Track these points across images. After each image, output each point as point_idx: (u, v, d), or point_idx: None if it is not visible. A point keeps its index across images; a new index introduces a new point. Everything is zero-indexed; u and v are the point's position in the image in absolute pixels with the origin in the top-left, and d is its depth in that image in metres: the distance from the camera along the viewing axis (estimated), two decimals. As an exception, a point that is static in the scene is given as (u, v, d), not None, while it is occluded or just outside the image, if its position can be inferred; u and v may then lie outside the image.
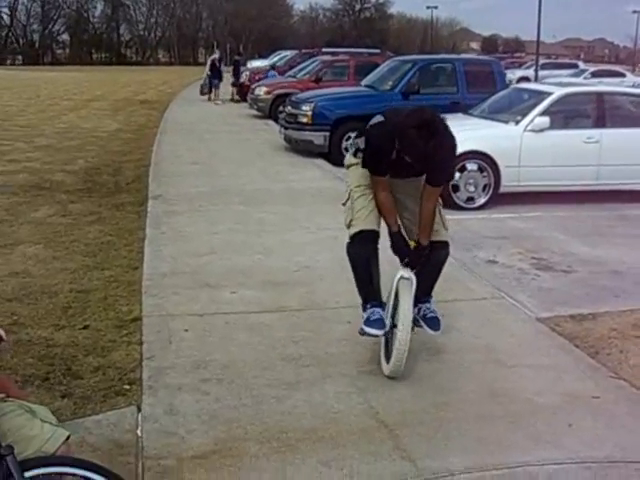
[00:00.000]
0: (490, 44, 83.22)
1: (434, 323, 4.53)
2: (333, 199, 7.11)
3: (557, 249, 7.51)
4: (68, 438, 2.59)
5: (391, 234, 4.39)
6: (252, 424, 3.73)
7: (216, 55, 27.66)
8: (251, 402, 3.97)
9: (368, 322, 4.36)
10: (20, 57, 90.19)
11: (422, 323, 4.56)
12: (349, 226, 4.42)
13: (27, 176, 10.64)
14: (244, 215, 8.46)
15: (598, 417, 3.94)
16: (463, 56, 20.37)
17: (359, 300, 4.53)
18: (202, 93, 26.41)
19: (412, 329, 4.32)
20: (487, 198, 9.50)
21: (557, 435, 3.73)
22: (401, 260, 4.40)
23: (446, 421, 3.82)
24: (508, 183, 9.48)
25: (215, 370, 4.35)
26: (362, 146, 4.37)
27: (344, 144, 12.91)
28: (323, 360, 4.53)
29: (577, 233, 8.20)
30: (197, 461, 3.42)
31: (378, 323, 4.33)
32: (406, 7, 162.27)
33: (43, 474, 2.39)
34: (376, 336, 4.42)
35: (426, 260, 4.43)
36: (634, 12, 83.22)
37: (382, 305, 4.45)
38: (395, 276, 4.37)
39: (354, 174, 4.50)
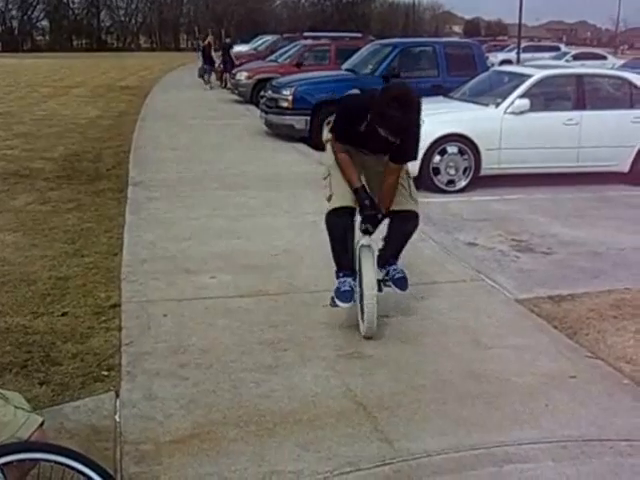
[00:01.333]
0: (473, 27, 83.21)
1: (401, 283, 4.80)
2: (314, 183, 7.08)
3: (537, 231, 7.54)
4: (42, 424, 2.58)
5: (354, 190, 4.54)
6: (230, 408, 3.73)
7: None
8: (229, 386, 3.96)
9: (338, 292, 4.63)
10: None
11: (391, 284, 4.80)
12: (329, 199, 4.62)
13: (5, 164, 10.55)
14: (224, 200, 8.44)
15: (574, 396, 3.97)
16: (443, 39, 20.32)
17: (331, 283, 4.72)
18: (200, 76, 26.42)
19: (379, 290, 4.62)
20: (468, 181, 9.51)
21: (534, 415, 3.75)
22: (362, 223, 4.61)
23: (424, 403, 3.84)
24: (488, 166, 9.50)
25: (193, 355, 4.35)
26: None
27: (325, 128, 12.87)
28: (302, 344, 4.53)
29: (557, 215, 8.24)
30: (175, 445, 3.41)
31: (346, 295, 4.59)
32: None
33: (17, 460, 2.38)
34: (344, 307, 4.66)
35: (396, 229, 4.73)
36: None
37: (354, 274, 4.67)
38: (357, 242, 4.65)
39: (330, 155, 4.67)
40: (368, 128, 4.32)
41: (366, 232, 4.61)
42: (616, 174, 9.86)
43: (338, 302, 4.62)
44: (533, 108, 9.46)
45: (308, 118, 12.88)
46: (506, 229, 7.60)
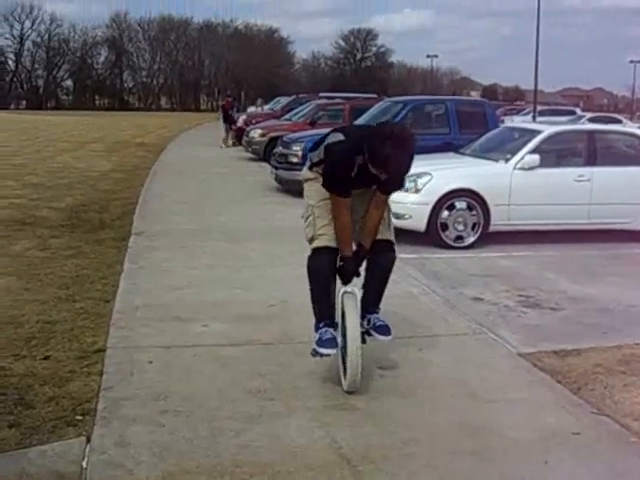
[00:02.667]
0: (490, 93, 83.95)
1: (384, 330, 4.55)
2: None
3: (546, 287, 7.32)
4: None
5: (344, 258, 4.44)
6: (206, 457, 3.51)
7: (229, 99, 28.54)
8: (208, 435, 3.74)
9: (320, 342, 4.38)
10: (24, 102, 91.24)
11: (373, 333, 4.56)
12: (311, 241, 4.47)
13: (12, 212, 10.52)
14: (226, 251, 8.31)
15: (577, 454, 3.71)
16: (455, 97, 20.38)
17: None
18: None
19: (363, 341, 4.36)
20: (476, 237, 9.32)
21: (531, 472, 3.51)
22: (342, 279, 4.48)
23: (413, 457, 3.59)
24: (498, 222, 9.32)
25: (174, 402, 4.14)
26: (316, 160, 4.48)
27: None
28: (289, 394, 4.31)
29: (567, 272, 8.01)
30: (142, 495, 3.19)
31: (330, 342, 4.35)
32: (407, 56, 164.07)
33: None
34: (329, 355, 4.42)
35: (374, 263, 4.53)
36: (631, 62, 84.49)
37: (334, 324, 4.45)
38: (339, 291, 4.45)
39: (313, 188, 4.53)
40: (359, 170, 4.22)
41: (348, 282, 4.46)
42: (628, 232, 9.64)
43: (321, 350, 4.36)
44: (543, 164, 9.33)
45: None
46: (513, 285, 7.39)
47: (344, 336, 4.38)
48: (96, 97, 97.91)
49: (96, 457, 3.49)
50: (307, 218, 4.52)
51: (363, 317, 4.55)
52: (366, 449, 3.65)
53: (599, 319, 6.24)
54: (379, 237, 4.52)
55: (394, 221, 9.24)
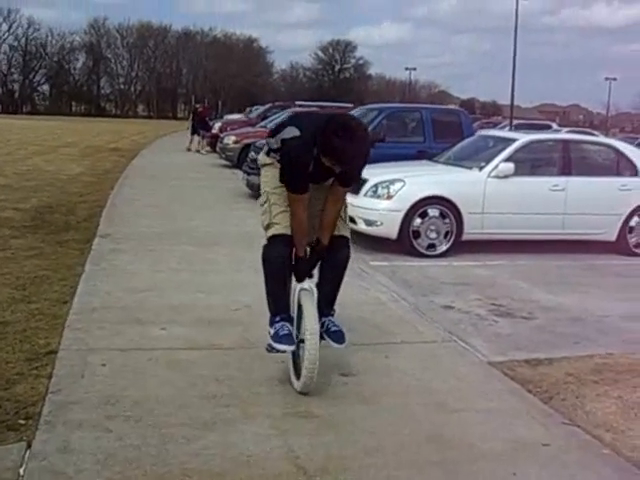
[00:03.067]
0: (468, 107, 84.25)
1: (338, 337, 4.40)
2: None
3: (518, 296, 7.18)
4: None
5: (297, 258, 4.33)
6: (153, 465, 3.28)
7: (197, 105, 28.53)
8: (157, 442, 3.51)
9: (277, 337, 4.23)
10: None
11: (326, 337, 4.36)
12: (267, 228, 4.32)
13: (-26, 212, 10.20)
14: (193, 255, 8.07)
15: (546, 465, 3.54)
16: (430, 106, 20.27)
17: None
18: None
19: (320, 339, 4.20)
20: (449, 245, 9.17)
21: (499, 485, 3.32)
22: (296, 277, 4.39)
23: (374, 468, 3.39)
24: (471, 230, 9.17)
25: (124, 407, 3.90)
26: (274, 146, 4.33)
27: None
28: (246, 400, 4.10)
29: (540, 281, 7.90)
30: (82, 506, 2.96)
31: (287, 338, 4.20)
32: (385, 69, 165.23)
33: None
34: (284, 352, 4.29)
35: (329, 260, 4.39)
36: (606, 79, 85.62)
37: (291, 319, 4.32)
38: (295, 288, 4.33)
39: (270, 174, 4.40)
40: (315, 163, 4.10)
41: (301, 281, 4.35)
42: (603, 242, 9.55)
43: (277, 345, 4.21)
44: (518, 172, 9.22)
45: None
46: (486, 294, 7.24)
47: (299, 333, 4.26)
48: (73, 103, 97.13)
49: (36, 463, 3.25)
50: (263, 204, 4.38)
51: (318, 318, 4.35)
52: (325, 459, 3.44)
53: (572, 329, 6.11)
54: (335, 233, 4.39)
55: (365, 227, 9.29)
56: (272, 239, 4.28)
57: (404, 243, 9.12)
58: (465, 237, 9.21)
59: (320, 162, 4.06)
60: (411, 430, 3.82)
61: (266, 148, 4.50)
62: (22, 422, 3.68)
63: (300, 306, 4.29)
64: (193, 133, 26.78)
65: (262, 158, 4.53)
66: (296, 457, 3.45)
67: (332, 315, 4.50)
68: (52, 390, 4.08)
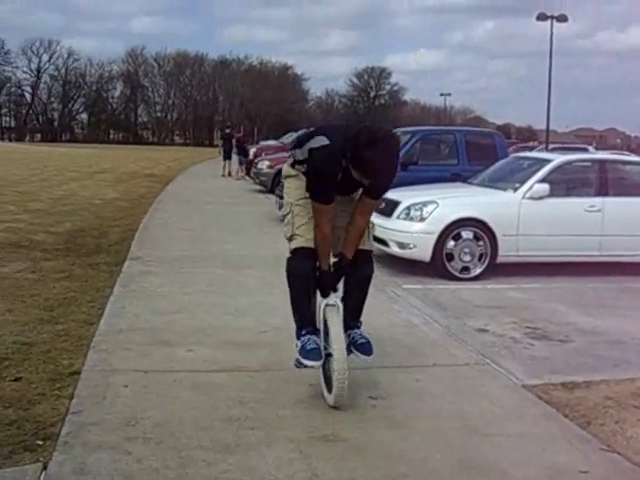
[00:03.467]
0: (503, 132, 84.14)
1: (366, 349, 4.33)
2: None
3: (555, 319, 6.97)
4: None
5: (322, 272, 4.27)
6: (171, 489, 3.18)
7: (227, 130, 28.93)
8: (176, 464, 3.40)
9: (304, 352, 4.20)
10: (39, 135, 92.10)
11: (353, 350, 4.31)
12: (290, 240, 4.29)
13: (8, 235, 10.27)
14: (223, 278, 8.01)
15: (584, 495, 3.35)
16: (464, 128, 20.10)
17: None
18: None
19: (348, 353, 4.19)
20: (483, 268, 8.97)
21: (533, 514, 3.14)
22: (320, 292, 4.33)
23: (401, 494, 3.24)
24: (506, 253, 8.97)
25: (145, 428, 3.81)
26: (300, 157, 4.26)
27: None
28: (271, 423, 3.97)
29: (577, 304, 7.67)
30: (96, 530, 2.86)
31: (314, 353, 4.16)
32: (420, 94, 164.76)
33: None
34: (312, 367, 4.25)
35: (353, 274, 4.34)
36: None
37: (317, 332, 4.25)
38: (320, 304, 4.27)
39: (293, 186, 4.35)
40: (343, 174, 4.03)
41: (326, 296, 4.29)
42: (641, 265, 9.29)
43: (305, 361, 4.19)
44: (553, 193, 9.03)
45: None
46: (521, 317, 7.04)
47: (327, 347, 4.21)
48: (111, 131, 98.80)
49: (50, 486, 3.17)
50: (286, 216, 4.33)
51: (345, 332, 4.33)
52: (349, 484, 3.30)
53: (610, 352, 5.89)
54: (360, 247, 4.33)
55: (398, 250, 9.15)
56: (295, 252, 4.24)
57: (437, 266, 8.96)
58: (500, 260, 9.01)
59: (349, 173, 3.98)
60: (441, 456, 3.66)
61: (291, 160, 4.43)
62: (40, 443, 3.60)
63: (326, 321, 4.24)
64: (225, 159, 27.00)
65: (286, 170, 4.47)
66: (319, 482, 3.31)
67: (358, 327, 4.45)
68: (72, 411, 4.00)
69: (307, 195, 4.20)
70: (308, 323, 4.29)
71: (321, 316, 4.30)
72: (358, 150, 3.86)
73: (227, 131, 29.76)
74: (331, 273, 4.28)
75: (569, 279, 8.87)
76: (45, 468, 3.32)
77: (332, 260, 4.35)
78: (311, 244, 4.20)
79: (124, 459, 3.45)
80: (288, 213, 4.31)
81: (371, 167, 3.87)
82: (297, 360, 4.27)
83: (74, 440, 3.63)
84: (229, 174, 26.75)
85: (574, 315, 7.17)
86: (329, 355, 4.19)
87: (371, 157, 3.82)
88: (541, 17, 43.75)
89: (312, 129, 4.48)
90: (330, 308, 4.24)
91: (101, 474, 3.28)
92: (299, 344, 4.25)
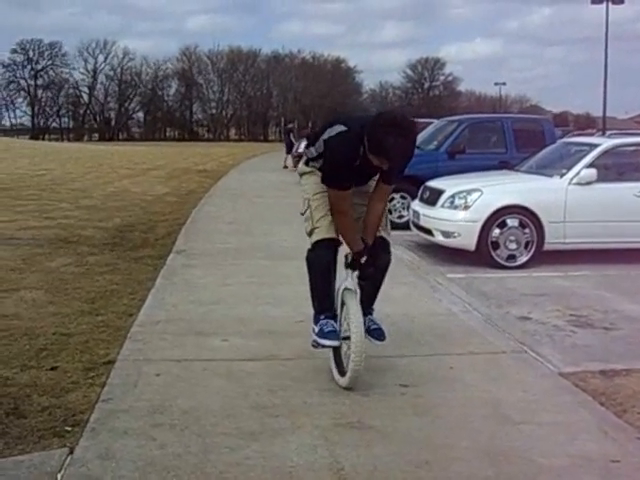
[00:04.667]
0: (560, 120, 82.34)
1: (379, 334, 4.42)
2: None
3: (601, 307, 6.81)
4: None
5: (356, 253, 4.28)
6: (191, 474, 3.19)
7: (289, 125, 29.51)
8: (199, 450, 3.42)
9: (322, 333, 4.27)
10: (96, 134, 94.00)
11: (367, 336, 4.32)
12: (310, 234, 4.37)
13: (58, 231, 10.49)
14: (264, 269, 8.03)
15: (614, 483, 3.25)
16: (512, 115, 19.73)
17: None
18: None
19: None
20: (530, 256, 8.83)
21: (558, 502, 3.07)
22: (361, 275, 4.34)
23: (423, 481, 3.19)
24: (552, 240, 8.80)
25: (172, 415, 3.84)
26: (314, 154, 4.33)
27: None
28: (297, 410, 3.96)
29: (626, 291, 7.48)
30: (115, 514, 2.89)
31: (332, 335, 4.24)
32: (475, 85, 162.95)
33: None
34: (330, 347, 4.35)
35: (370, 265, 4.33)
36: None
37: (335, 317, 4.33)
38: (339, 289, 4.35)
39: (310, 182, 4.41)
40: (361, 161, 4.06)
41: (352, 268, 4.33)
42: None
43: (323, 341, 4.28)
44: (601, 179, 8.83)
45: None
46: (566, 304, 6.91)
47: (343, 330, 4.27)
48: (167, 129, 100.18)
49: (74, 469, 3.22)
50: (305, 212, 4.42)
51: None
52: (371, 472, 3.27)
53: (656, 340, 5.72)
54: (378, 234, 4.36)
55: (442, 239, 9.06)
56: (316, 244, 4.32)
57: (483, 254, 8.85)
58: (546, 247, 8.85)
59: (366, 160, 4.00)
60: (467, 443, 3.60)
61: (305, 158, 4.51)
62: (68, 429, 3.66)
63: (343, 304, 4.31)
64: (288, 152, 27.45)
65: (301, 168, 4.57)
66: (341, 469, 3.28)
67: (371, 314, 4.53)
68: (103, 398, 4.06)
69: (324, 189, 4.26)
70: (327, 309, 4.37)
71: (339, 300, 4.36)
72: (376, 136, 3.89)
73: (289, 126, 30.34)
74: (366, 251, 4.27)
75: (619, 266, 8.64)
76: (71, 453, 3.38)
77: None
78: (332, 234, 4.26)
79: (148, 445, 3.48)
80: (307, 209, 4.39)
81: (389, 152, 3.89)
82: (314, 341, 4.37)
83: (102, 426, 3.68)
84: (286, 167, 27.19)
85: (621, 303, 7.00)
86: (346, 338, 4.23)
87: (389, 142, 3.84)
88: (596, 0, 42.75)
89: (335, 117, 4.52)
90: (348, 292, 4.31)
91: (124, 459, 3.32)
92: (316, 328, 4.35)
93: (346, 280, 4.35)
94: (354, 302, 4.24)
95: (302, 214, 4.45)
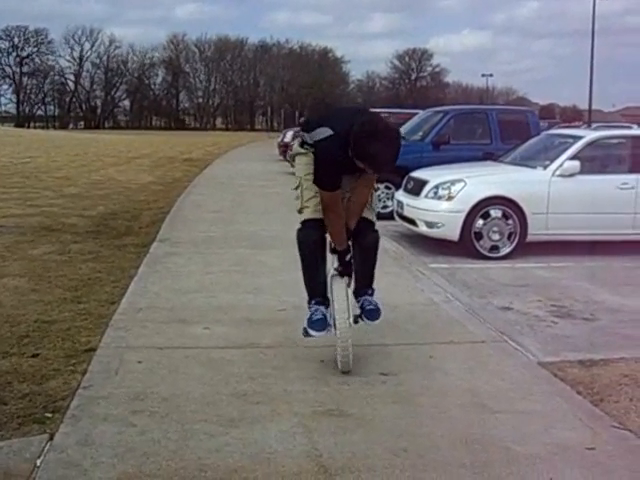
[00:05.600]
0: (547, 112, 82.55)
1: (372, 314, 4.50)
2: None
3: (582, 298, 6.87)
4: None
5: (340, 251, 4.44)
6: (170, 460, 3.21)
7: None
8: (178, 437, 3.44)
9: (310, 322, 4.38)
10: (82, 122, 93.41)
11: (362, 316, 4.49)
12: (300, 212, 4.49)
13: (41, 219, 10.46)
14: (247, 258, 8.04)
15: (588, 471, 3.30)
16: (497, 106, 19.78)
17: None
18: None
19: (355, 321, 4.39)
20: (512, 247, 8.88)
21: (532, 489, 3.11)
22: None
23: (399, 469, 3.22)
24: (535, 231, 8.86)
25: (152, 403, 3.85)
26: (309, 141, 4.39)
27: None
28: (277, 397, 3.99)
29: (607, 283, 7.54)
30: (92, 499, 2.91)
31: (320, 323, 4.35)
32: (462, 76, 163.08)
33: None
34: (317, 337, 4.43)
35: (359, 245, 4.49)
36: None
37: (326, 302, 4.45)
38: (329, 273, 4.45)
39: (302, 162, 4.49)
40: (349, 161, 4.14)
41: (350, 275, 4.47)
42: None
43: (311, 331, 4.40)
44: (584, 171, 8.88)
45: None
46: (547, 295, 6.96)
47: (334, 316, 4.34)
48: (153, 117, 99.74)
49: (54, 455, 3.23)
50: (296, 189, 4.52)
51: (357, 300, 4.57)
52: (349, 458, 3.29)
53: (635, 331, 5.78)
54: (363, 215, 4.46)
55: (426, 229, 9.09)
56: (304, 223, 4.44)
57: (466, 245, 8.89)
58: (529, 238, 8.90)
59: (353, 161, 4.09)
60: (444, 431, 3.63)
61: (300, 140, 4.57)
62: (49, 415, 3.67)
63: (332, 289, 4.40)
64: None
65: (295, 148, 4.64)
66: (319, 456, 3.31)
67: (370, 294, 4.58)
68: (84, 385, 4.07)
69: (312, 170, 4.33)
70: (318, 294, 4.46)
71: (329, 284, 4.45)
72: (360, 144, 3.97)
73: (302, 120, 30.46)
74: (348, 251, 4.43)
75: (601, 258, 8.70)
76: (51, 439, 3.39)
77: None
78: (318, 215, 4.36)
79: (128, 431, 3.49)
80: (298, 187, 4.48)
81: (373, 159, 4.01)
82: (304, 329, 4.46)
83: (82, 413, 3.69)
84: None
85: (602, 294, 7.06)
86: (335, 324, 4.32)
87: (373, 150, 3.96)
88: (584, -7, 42.86)
89: (322, 115, 4.64)
90: (336, 277, 4.40)
91: (103, 445, 3.33)
92: (308, 314, 4.43)
93: (334, 264, 4.45)
94: (340, 289, 4.35)
95: (294, 189, 4.55)
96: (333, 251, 4.46)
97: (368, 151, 3.97)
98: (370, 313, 4.49)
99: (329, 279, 4.46)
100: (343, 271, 4.45)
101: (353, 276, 4.56)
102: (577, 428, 3.77)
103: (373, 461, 3.28)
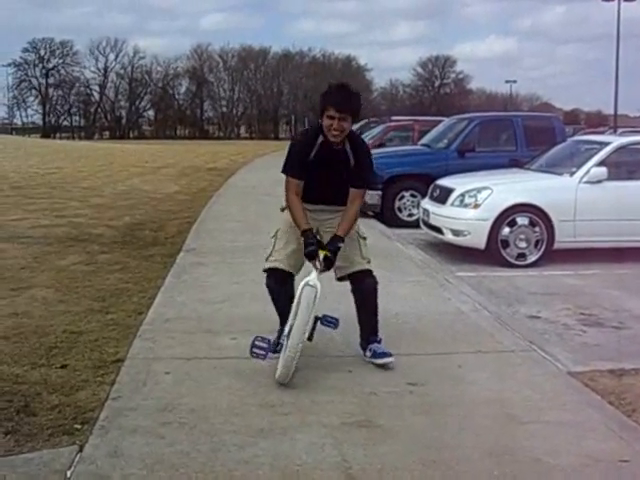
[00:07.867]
0: (572, 118, 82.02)
1: (385, 355, 4.67)
2: (375, 256, 6.46)
3: (611, 306, 6.80)
4: None
5: (303, 231, 4.56)
6: (199, 472, 3.21)
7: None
8: (207, 448, 3.44)
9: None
10: (107, 133, 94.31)
11: (376, 360, 4.68)
12: (266, 259, 4.82)
13: (68, 229, 10.54)
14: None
15: (622, 483, 3.25)
16: (522, 113, 19.66)
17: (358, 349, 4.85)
18: None
19: (309, 339, 4.35)
20: (539, 255, 8.81)
21: (565, 502, 3.07)
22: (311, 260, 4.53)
23: (429, 480, 3.20)
24: (563, 239, 8.78)
25: (181, 414, 3.86)
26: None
27: (397, 204, 12.49)
28: (305, 408, 3.98)
29: (636, 290, 7.47)
30: (124, 511, 2.91)
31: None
32: (485, 82, 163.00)
33: None
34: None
35: (357, 293, 4.78)
36: None
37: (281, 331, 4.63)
38: (302, 283, 4.46)
39: (283, 218, 4.85)
40: (318, 154, 4.58)
41: (311, 258, 4.49)
42: None
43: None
44: (612, 177, 8.79)
45: (380, 193, 12.48)
46: (576, 303, 6.90)
47: (292, 326, 4.38)
48: (177, 127, 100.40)
49: (83, 467, 3.25)
50: (272, 239, 4.87)
51: (365, 348, 4.78)
52: (378, 470, 3.28)
53: (666, 339, 5.70)
54: (356, 269, 4.72)
55: (452, 238, 9.04)
56: (269, 272, 4.77)
57: (493, 253, 8.84)
58: (557, 246, 8.82)
59: (327, 148, 4.54)
60: (474, 442, 3.60)
61: (282, 205, 4.89)
62: (78, 427, 3.69)
63: (300, 299, 4.41)
64: None
65: (284, 204, 4.84)
66: (348, 467, 3.30)
67: (378, 342, 4.77)
68: (112, 397, 4.09)
69: (292, 225, 4.65)
70: (280, 324, 4.77)
71: (298, 293, 4.46)
72: (324, 92, 4.60)
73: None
74: (313, 234, 4.57)
75: (628, 265, 8.61)
76: (81, 450, 3.40)
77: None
78: (281, 265, 4.69)
79: (157, 443, 3.50)
80: (273, 236, 4.86)
81: (337, 97, 4.52)
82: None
83: (111, 424, 3.71)
84: None
85: (631, 301, 6.99)
86: (289, 334, 4.37)
87: (334, 89, 4.59)
88: (607, -3, 42.60)
89: None
90: (308, 288, 4.40)
91: (133, 457, 3.34)
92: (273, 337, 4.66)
93: (309, 276, 4.47)
94: (308, 298, 4.36)
95: (271, 237, 4.88)
96: (309, 257, 4.49)
97: (330, 90, 4.55)
98: (382, 355, 4.68)
99: (301, 286, 4.45)
100: (307, 252, 4.50)
101: (358, 326, 4.83)
102: (609, 439, 3.71)
103: (403, 473, 3.26)
